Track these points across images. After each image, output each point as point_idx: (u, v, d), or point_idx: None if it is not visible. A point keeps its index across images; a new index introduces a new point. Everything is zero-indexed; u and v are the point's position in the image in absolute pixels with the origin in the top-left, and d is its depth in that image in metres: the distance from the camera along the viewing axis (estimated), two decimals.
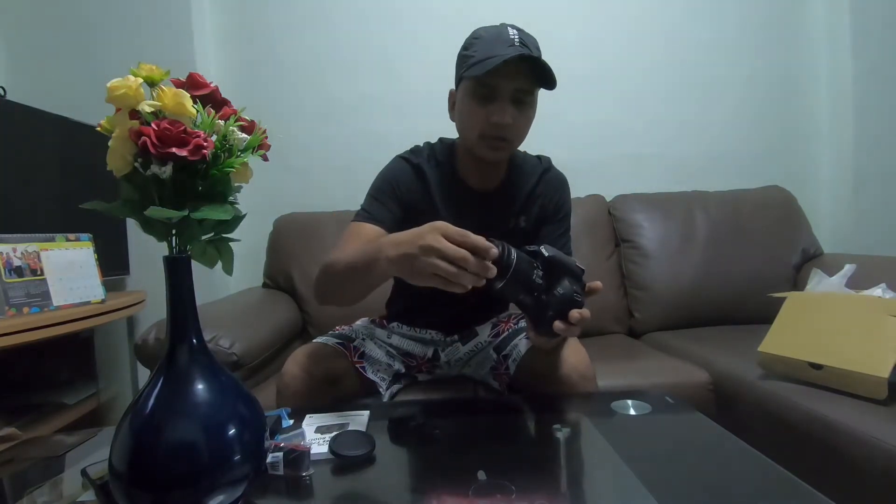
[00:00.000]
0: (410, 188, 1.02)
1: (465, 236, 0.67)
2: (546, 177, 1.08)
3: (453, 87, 1.01)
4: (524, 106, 0.93)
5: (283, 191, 1.90)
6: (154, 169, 0.51)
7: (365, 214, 0.99)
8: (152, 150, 0.50)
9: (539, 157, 1.11)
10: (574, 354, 0.96)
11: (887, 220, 1.88)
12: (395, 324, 1.15)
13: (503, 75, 0.88)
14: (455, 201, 1.03)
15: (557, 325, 0.76)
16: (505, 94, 0.91)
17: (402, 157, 1.06)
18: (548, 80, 0.91)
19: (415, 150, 1.07)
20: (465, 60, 0.93)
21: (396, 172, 1.03)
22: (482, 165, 1.01)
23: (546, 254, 0.76)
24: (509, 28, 0.91)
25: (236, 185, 0.58)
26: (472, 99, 0.93)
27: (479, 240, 0.67)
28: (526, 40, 0.90)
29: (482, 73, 0.87)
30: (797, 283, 1.73)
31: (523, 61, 0.88)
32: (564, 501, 0.60)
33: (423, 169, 1.03)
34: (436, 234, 0.67)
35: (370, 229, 0.95)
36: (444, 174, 1.04)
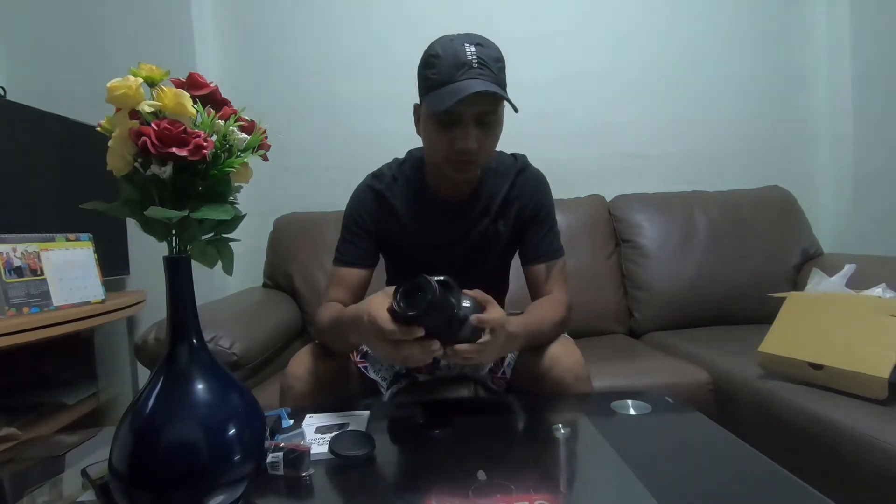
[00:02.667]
0: (375, 217, 1.03)
1: (392, 334, 0.73)
2: (520, 179, 1.05)
3: (417, 100, 0.96)
4: (489, 126, 0.90)
5: (283, 191, 1.90)
6: (154, 169, 0.51)
7: (340, 259, 1.05)
8: (152, 150, 0.50)
9: (514, 156, 1.08)
10: (568, 356, 0.96)
11: (887, 220, 1.88)
12: None
13: (463, 102, 0.84)
14: (425, 215, 1.03)
15: (462, 348, 0.76)
16: (467, 120, 0.88)
17: (366, 184, 1.06)
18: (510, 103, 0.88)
19: (379, 174, 1.06)
20: (425, 81, 0.90)
21: (359, 206, 1.05)
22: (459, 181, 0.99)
23: (444, 279, 0.77)
24: (467, 45, 0.86)
25: (236, 185, 0.58)
26: (434, 124, 0.90)
27: (407, 332, 0.73)
28: (486, 58, 0.86)
29: (440, 109, 0.85)
30: (797, 283, 1.72)
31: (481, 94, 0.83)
32: (564, 501, 0.60)
33: (385, 195, 1.03)
34: (378, 343, 0.76)
35: (349, 274, 1.03)
36: (412, 190, 1.03)
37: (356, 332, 0.84)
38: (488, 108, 0.88)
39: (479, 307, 0.78)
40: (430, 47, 0.91)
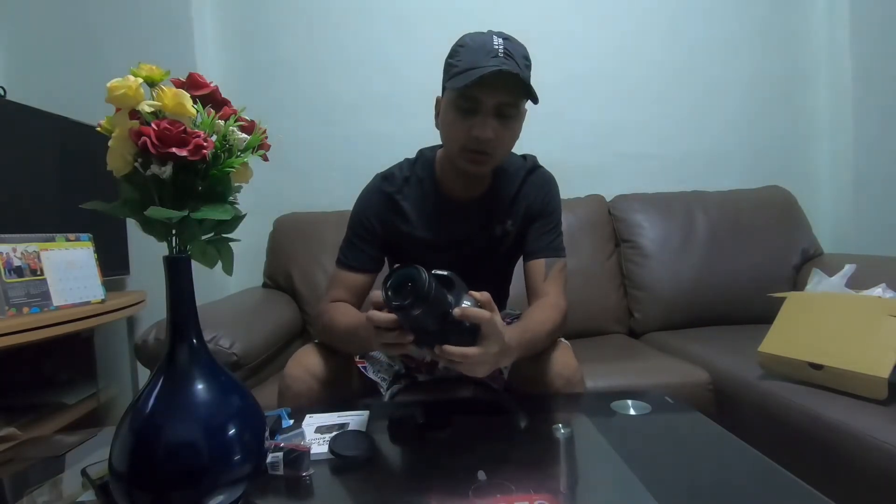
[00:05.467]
0: (383, 219, 1.03)
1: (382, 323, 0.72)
2: (530, 178, 1.05)
3: (440, 93, 0.98)
4: (508, 119, 0.91)
5: (283, 191, 1.90)
6: (154, 169, 0.51)
7: (343, 261, 1.05)
8: (152, 150, 0.50)
9: (524, 157, 1.08)
10: (560, 359, 0.95)
11: (887, 220, 1.88)
12: None
13: (485, 88, 0.86)
14: (436, 216, 1.03)
15: (448, 348, 0.71)
16: (487, 108, 0.88)
17: (375, 186, 1.05)
18: (531, 94, 0.89)
19: (389, 176, 1.05)
20: (450, 69, 0.91)
21: (366, 208, 1.04)
22: (465, 175, 0.99)
23: (441, 273, 0.74)
24: (495, 37, 0.88)
25: (236, 185, 0.58)
26: (454, 111, 0.90)
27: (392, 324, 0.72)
28: (512, 51, 0.87)
29: (462, 85, 0.85)
30: (797, 283, 1.72)
31: (504, 75, 0.84)
32: (564, 501, 0.60)
33: (395, 198, 1.03)
34: (374, 334, 0.75)
35: (351, 278, 1.04)
36: (424, 190, 1.03)
37: (357, 338, 0.85)
38: (509, 98, 0.89)
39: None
40: (458, 40, 0.93)
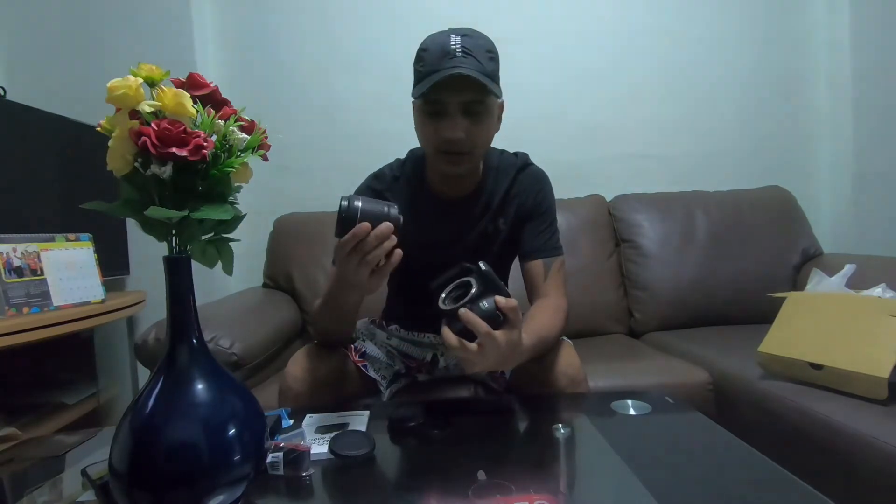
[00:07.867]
0: None
1: (356, 236, 0.79)
2: (521, 176, 1.05)
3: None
4: (477, 116, 0.90)
5: (283, 191, 1.90)
6: (154, 169, 0.51)
7: None
8: (152, 150, 0.50)
9: (516, 154, 1.09)
10: (564, 358, 0.95)
11: (887, 220, 1.88)
12: (393, 326, 1.15)
13: (447, 91, 0.86)
14: (426, 214, 1.02)
15: (448, 334, 0.74)
16: (454, 109, 0.88)
17: (366, 185, 1.06)
18: (491, 91, 0.88)
19: (380, 175, 1.06)
20: (415, 75, 0.92)
21: None
22: (449, 175, 0.99)
23: (483, 268, 0.76)
24: (452, 36, 0.88)
25: (236, 185, 0.58)
26: (423, 115, 0.92)
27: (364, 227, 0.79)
28: (472, 47, 0.87)
29: (419, 94, 0.87)
30: (797, 283, 1.73)
31: (459, 77, 0.84)
32: (564, 501, 0.60)
33: (386, 196, 1.03)
34: (341, 250, 0.81)
35: None
36: (413, 189, 1.04)
37: (337, 283, 0.86)
38: (474, 96, 0.88)
39: (496, 318, 0.73)
40: (421, 43, 0.93)
